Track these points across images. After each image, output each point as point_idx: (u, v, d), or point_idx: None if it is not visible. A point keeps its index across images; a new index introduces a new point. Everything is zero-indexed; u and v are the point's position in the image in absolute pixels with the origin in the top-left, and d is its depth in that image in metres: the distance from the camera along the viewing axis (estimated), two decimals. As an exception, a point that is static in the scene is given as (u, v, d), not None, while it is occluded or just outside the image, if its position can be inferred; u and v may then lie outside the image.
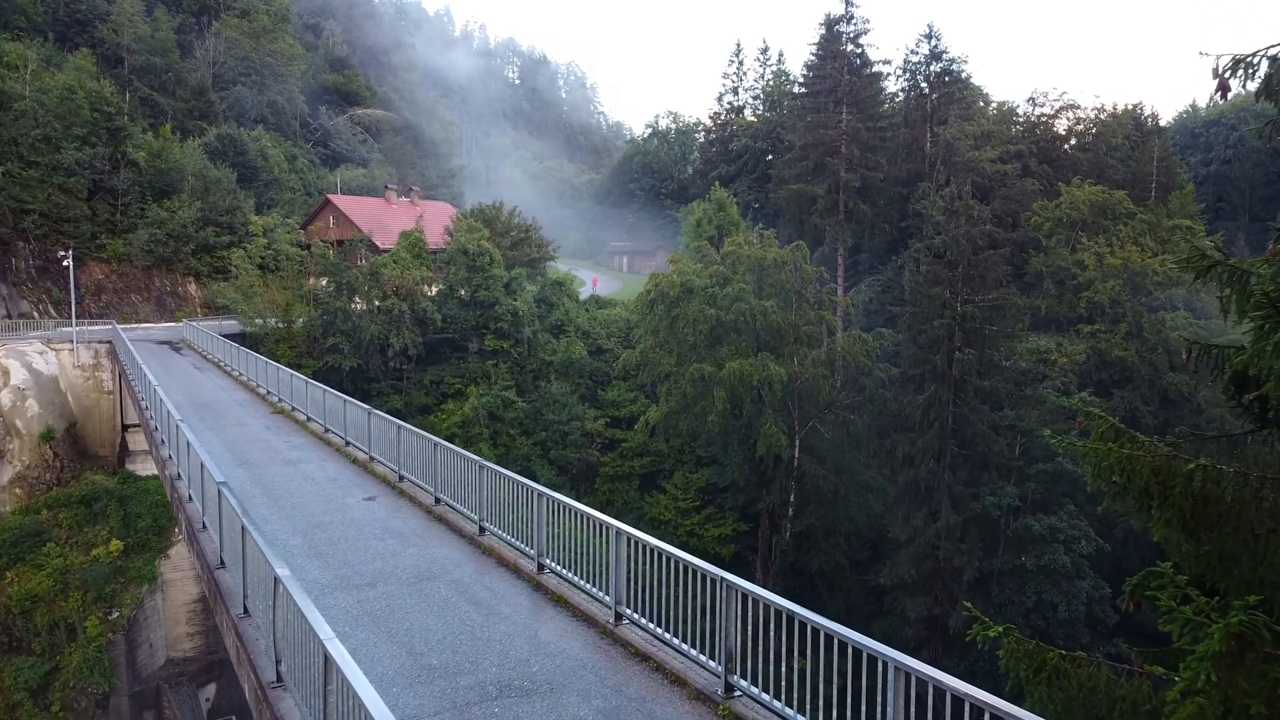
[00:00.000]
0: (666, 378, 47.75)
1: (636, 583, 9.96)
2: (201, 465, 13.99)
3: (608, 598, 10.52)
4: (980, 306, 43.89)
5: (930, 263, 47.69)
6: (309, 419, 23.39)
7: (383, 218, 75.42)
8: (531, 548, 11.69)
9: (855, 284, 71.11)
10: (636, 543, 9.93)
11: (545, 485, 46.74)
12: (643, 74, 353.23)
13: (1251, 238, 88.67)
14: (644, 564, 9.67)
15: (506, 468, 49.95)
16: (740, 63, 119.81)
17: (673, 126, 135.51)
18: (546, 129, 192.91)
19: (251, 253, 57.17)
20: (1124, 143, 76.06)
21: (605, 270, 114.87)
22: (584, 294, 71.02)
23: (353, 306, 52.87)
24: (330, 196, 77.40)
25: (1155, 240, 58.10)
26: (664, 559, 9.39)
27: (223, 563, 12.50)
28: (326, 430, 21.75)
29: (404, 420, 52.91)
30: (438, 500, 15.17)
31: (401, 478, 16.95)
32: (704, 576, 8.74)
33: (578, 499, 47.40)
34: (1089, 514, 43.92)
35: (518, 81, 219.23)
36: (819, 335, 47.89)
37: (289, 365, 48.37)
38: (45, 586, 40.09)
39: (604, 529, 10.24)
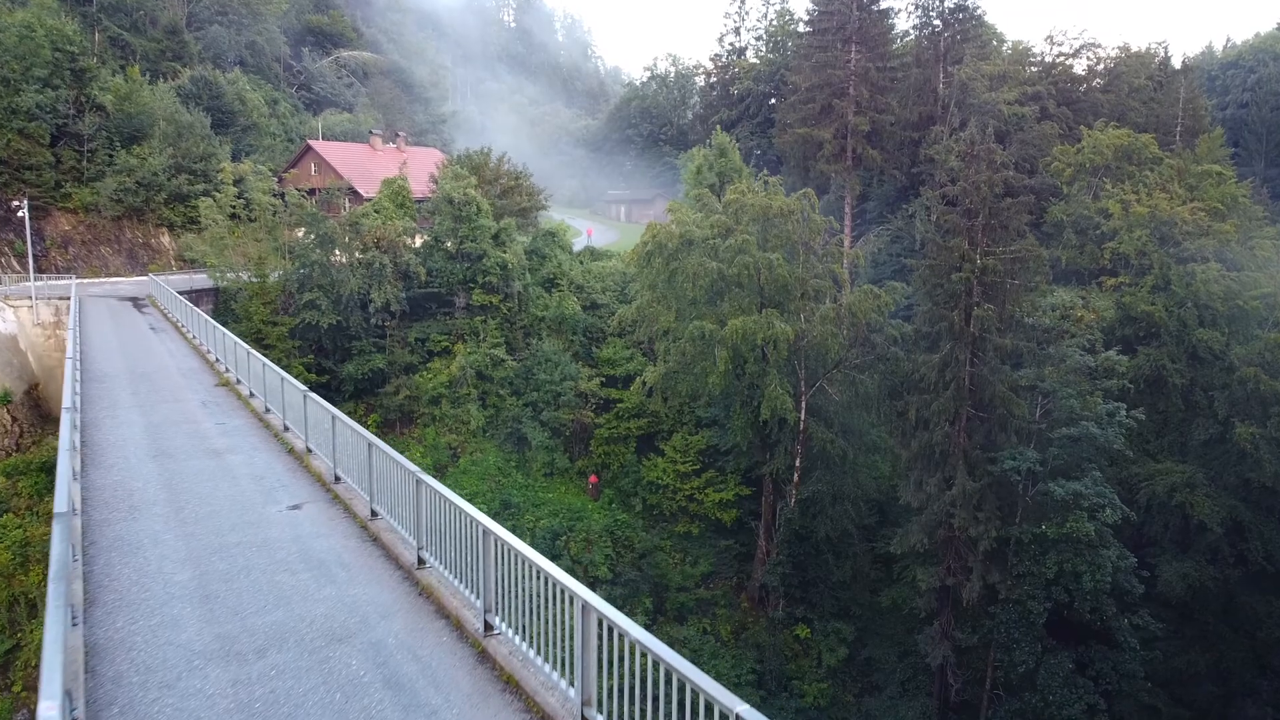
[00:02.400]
0: (665, 335, 44.81)
1: (606, 671, 7.09)
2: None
3: (572, 691, 7.60)
4: (1001, 259, 40.75)
5: (946, 212, 44.45)
6: (251, 394, 20.46)
7: (367, 165, 71.85)
8: (478, 598, 8.83)
9: (862, 234, 67.79)
10: (610, 628, 7.01)
11: (538, 447, 43.68)
12: (641, 15, 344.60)
13: (1270, 182, 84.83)
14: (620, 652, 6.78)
15: (496, 429, 47.01)
16: (742, 1, 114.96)
17: (672, 70, 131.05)
18: (542, 73, 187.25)
19: (221, 202, 53.79)
20: (1147, 83, 72.16)
21: (602, 220, 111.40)
22: (578, 245, 67.75)
23: (332, 260, 49.73)
24: (311, 142, 73.68)
25: (1183, 187, 54.70)
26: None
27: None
28: (267, 410, 18.83)
29: (389, 381, 50.26)
30: (374, 514, 12.25)
31: (338, 478, 13.96)
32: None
33: (572, 462, 44.39)
34: (1110, 478, 41.29)
35: (512, 24, 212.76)
36: (828, 290, 44.82)
37: (263, 323, 45.43)
38: (4, 560, 37.64)
39: (566, 596, 7.34)
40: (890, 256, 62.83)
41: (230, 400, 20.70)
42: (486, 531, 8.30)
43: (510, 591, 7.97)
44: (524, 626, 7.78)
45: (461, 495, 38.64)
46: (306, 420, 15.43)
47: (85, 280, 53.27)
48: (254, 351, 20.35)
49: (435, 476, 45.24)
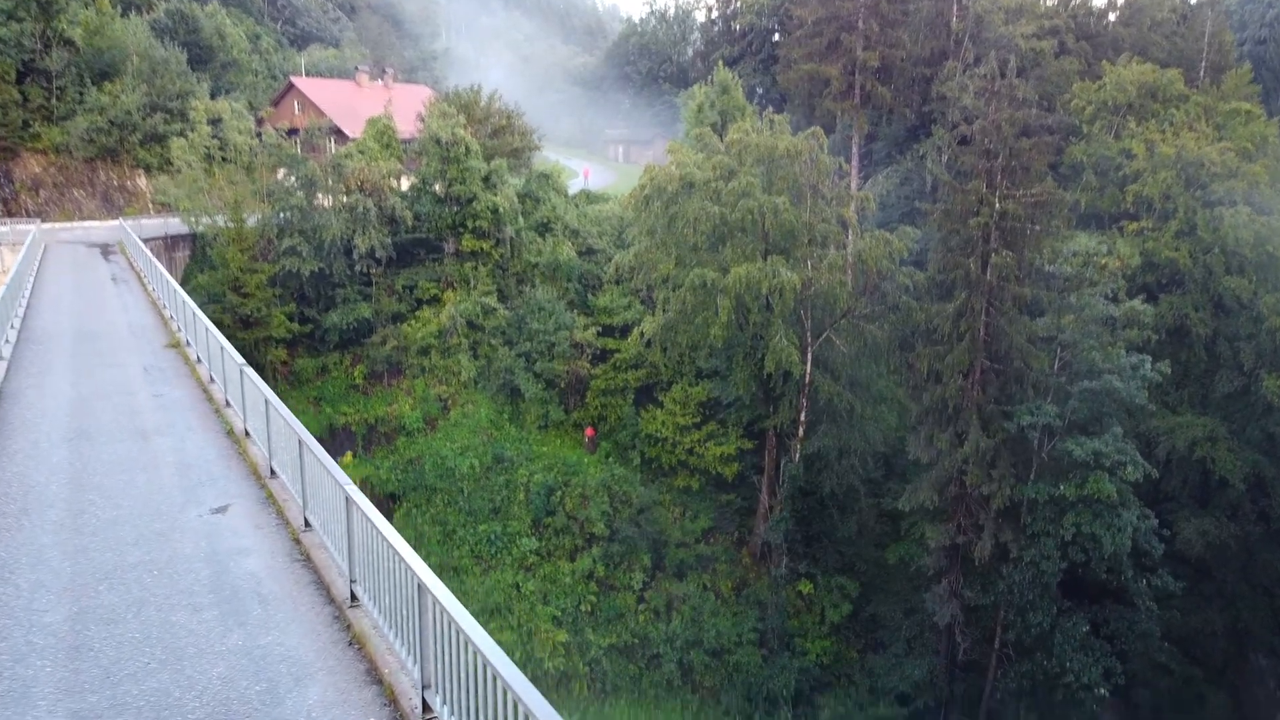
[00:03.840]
0: (664, 282, 42.51)
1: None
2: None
3: None
4: (1021, 202, 38.29)
5: (961, 152, 41.85)
6: (199, 360, 18.24)
7: (353, 103, 68.69)
8: (415, 664, 6.76)
9: (870, 175, 64.97)
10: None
11: (532, 399, 41.30)
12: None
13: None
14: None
15: (488, 380, 44.66)
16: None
17: (672, 5, 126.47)
18: (537, 9, 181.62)
19: (195, 142, 51.01)
20: (1170, 16, 68.70)
21: (600, 160, 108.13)
22: (574, 187, 64.97)
23: (314, 203, 47.18)
24: (294, 80, 70.44)
25: (1210, 126, 51.87)
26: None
27: None
28: (212, 379, 16.66)
29: (376, 331, 48.02)
30: (307, 524, 10.07)
31: (274, 472, 11.81)
32: None
33: (567, 414, 42.26)
34: (1128, 432, 39.32)
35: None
36: (835, 236, 42.41)
37: (241, 270, 43.12)
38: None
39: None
40: (900, 199, 60.17)
41: (176, 366, 18.52)
42: (423, 588, 6.24)
43: (454, 665, 5.91)
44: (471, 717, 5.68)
45: (453, 449, 36.34)
46: (244, 399, 13.28)
47: (55, 225, 50.75)
48: (198, 311, 18.13)
49: (425, 431, 43.13)
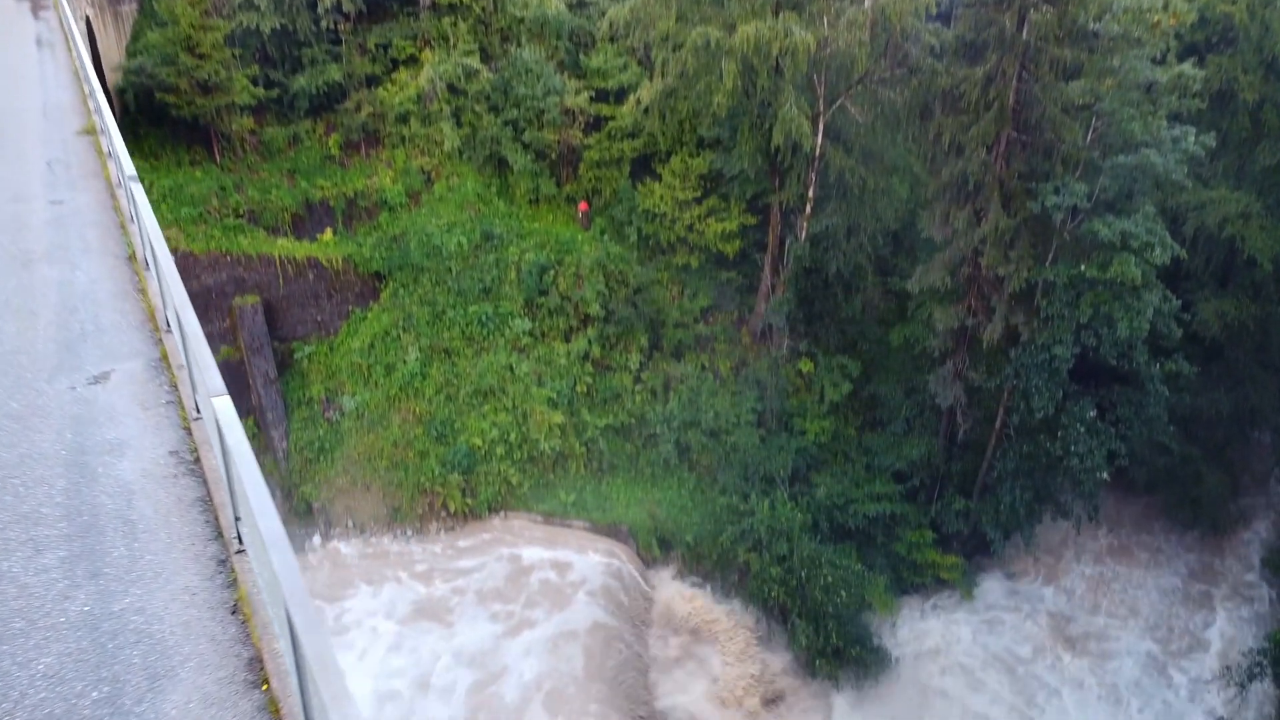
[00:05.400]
0: (664, 41, 38.31)
1: None
2: None
3: None
4: (1069, -52, 33.58)
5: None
6: (109, 152, 15.19)
7: None
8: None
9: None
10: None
11: (521, 172, 37.89)
12: None
13: None
14: None
15: (473, 151, 41.31)
16: None
17: None
18: None
19: None
20: None
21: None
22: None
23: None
24: None
25: None
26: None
27: None
28: (119, 183, 13.84)
29: (349, 95, 44.01)
30: (199, 412, 7.69)
31: (169, 326, 9.18)
32: None
33: (559, 187, 39.26)
34: (1156, 207, 36.75)
35: None
36: (856, -14, 37.74)
37: (193, 27, 38.81)
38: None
39: None
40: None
41: (86, 160, 15.53)
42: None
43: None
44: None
45: (439, 225, 33.60)
46: (141, 218, 10.55)
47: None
48: (100, 92, 15.01)
49: (408, 206, 40.28)
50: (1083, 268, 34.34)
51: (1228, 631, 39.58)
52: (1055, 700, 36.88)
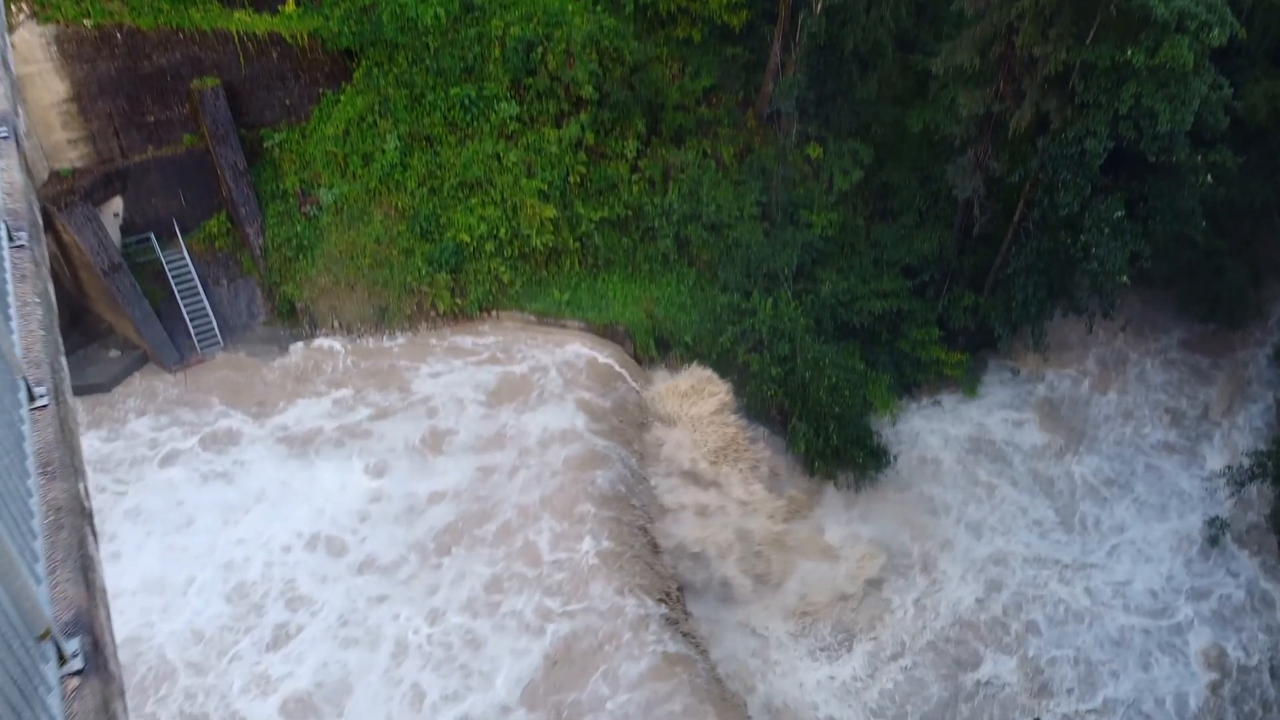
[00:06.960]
0: None
1: None
2: None
3: None
4: None
5: None
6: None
7: None
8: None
9: None
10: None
11: None
12: None
13: None
14: None
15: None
16: None
17: None
18: None
19: None
20: None
21: None
22: None
23: None
24: None
25: None
26: None
27: None
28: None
29: None
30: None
31: None
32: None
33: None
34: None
35: None
36: None
37: None
38: None
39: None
40: None
41: None
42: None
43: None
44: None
45: None
46: None
47: None
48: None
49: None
50: (1129, 52, 30.82)
51: (1233, 429, 39.29)
52: (1051, 490, 37.10)
